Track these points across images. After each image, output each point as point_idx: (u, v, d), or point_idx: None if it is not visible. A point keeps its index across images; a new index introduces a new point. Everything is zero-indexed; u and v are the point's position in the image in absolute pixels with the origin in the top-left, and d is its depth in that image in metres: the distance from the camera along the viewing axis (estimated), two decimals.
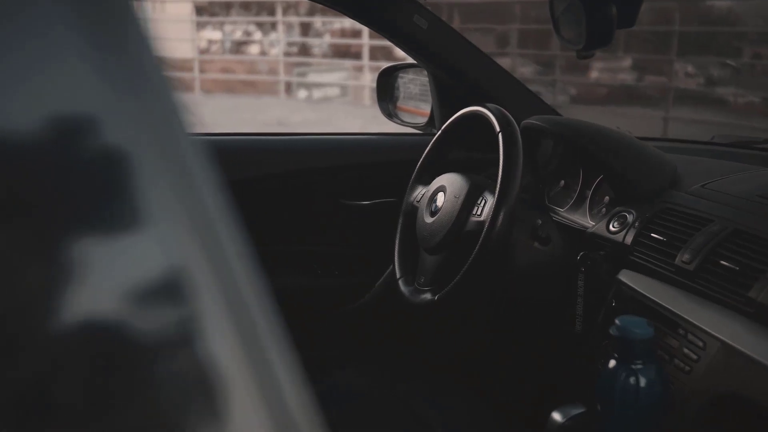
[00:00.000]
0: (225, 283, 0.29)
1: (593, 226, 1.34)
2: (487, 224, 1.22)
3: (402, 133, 1.95)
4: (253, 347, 0.29)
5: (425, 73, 1.80)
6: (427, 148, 1.51)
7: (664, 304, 1.10)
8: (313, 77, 12.09)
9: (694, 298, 1.07)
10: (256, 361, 0.29)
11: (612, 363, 0.98)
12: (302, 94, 11.80)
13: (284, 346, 0.30)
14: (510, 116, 1.30)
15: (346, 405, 1.33)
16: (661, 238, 1.17)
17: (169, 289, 0.27)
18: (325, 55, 12.62)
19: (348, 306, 1.76)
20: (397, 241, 1.50)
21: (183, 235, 0.28)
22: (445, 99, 1.75)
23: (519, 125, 1.33)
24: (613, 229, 1.27)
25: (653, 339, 0.96)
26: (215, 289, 0.28)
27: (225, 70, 12.73)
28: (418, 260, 1.42)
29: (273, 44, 12.75)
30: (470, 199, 1.32)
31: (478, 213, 1.29)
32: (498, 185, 1.23)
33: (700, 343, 1.01)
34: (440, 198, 1.38)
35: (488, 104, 1.35)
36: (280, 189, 1.72)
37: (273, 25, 12.64)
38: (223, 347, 0.28)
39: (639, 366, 0.95)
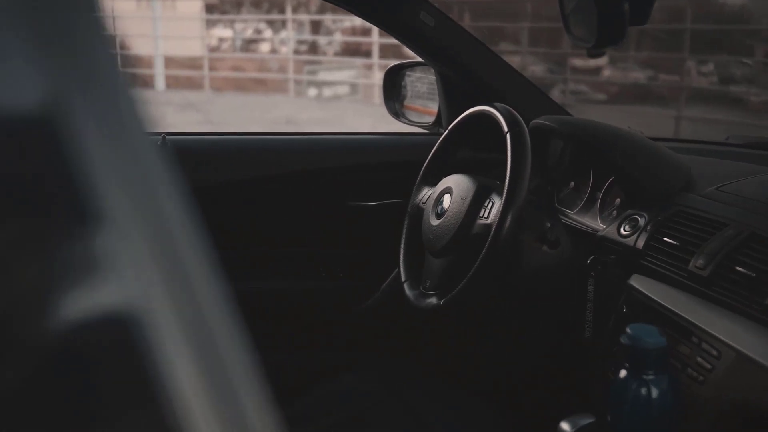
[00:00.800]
0: (185, 305, 0.26)
1: (604, 229, 1.30)
2: (494, 227, 1.19)
3: (408, 133, 1.92)
4: (215, 375, 0.26)
5: (433, 71, 1.77)
6: (434, 149, 1.49)
7: (676, 310, 1.06)
8: (323, 75, 12.10)
9: (708, 305, 1.03)
10: (217, 389, 0.26)
11: (623, 373, 0.95)
12: (312, 92, 11.81)
13: (250, 371, 0.27)
14: (518, 116, 1.27)
15: (350, 408, 1.31)
16: (674, 242, 1.13)
17: (119, 311, 0.25)
18: (336, 54, 12.63)
19: (352, 309, 1.73)
20: (402, 244, 1.48)
21: (138, 249, 0.25)
22: (453, 98, 1.72)
23: (528, 125, 1.30)
24: (624, 232, 1.23)
25: (665, 348, 0.93)
26: (174, 312, 0.25)
27: (235, 68, 12.76)
28: (423, 263, 1.40)
29: (283, 42, 12.78)
30: (477, 201, 1.29)
31: (485, 215, 1.26)
32: (506, 187, 1.20)
33: (714, 352, 0.97)
34: (446, 200, 1.35)
35: (496, 104, 1.32)
36: (284, 189, 1.70)
37: (283, 23, 12.66)
38: (182, 375, 0.25)
39: (651, 376, 0.92)
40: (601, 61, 8.32)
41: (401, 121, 1.93)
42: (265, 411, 0.27)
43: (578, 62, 8.84)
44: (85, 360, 0.25)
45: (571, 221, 1.40)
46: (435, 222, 1.35)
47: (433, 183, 1.45)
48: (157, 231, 0.26)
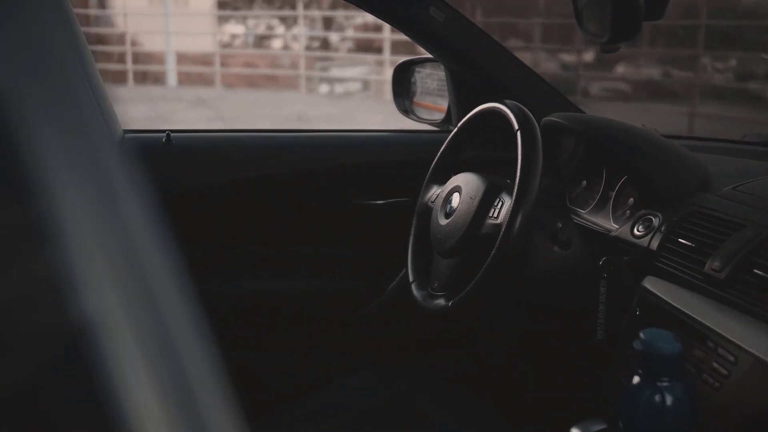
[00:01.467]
0: (146, 318, 0.23)
1: (617, 229, 1.27)
2: (504, 227, 1.16)
3: (418, 130, 1.90)
4: (175, 387, 0.24)
5: (442, 67, 1.74)
6: (443, 147, 1.46)
7: (691, 314, 1.03)
8: (335, 72, 12.10)
9: (725, 309, 1.00)
10: (177, 401, 0.24)
11: (636, 379, 0.91)
12: (324, 88, 11.80)
13: (217, 387, 0.25)
14: (529, 113, 1.24)
15: (355, 412, 1.28)
16: (690, 243, 1.10)
17: (77, 323, 0.22)
18: (349, 50, 12.62)
19: (358, 310, 1.71)
20: (410, 243, 1.45)
21: (97, 258, 0.23)
22: (463, 95, 1.69)
23: (539, 123, 1.26)
24: (637, 233, 1.21)
25: (681, 354, 0.90)
26: (134, 325, 0.23)
27: (247, 65, 12.77)
28: (431, 263, 1.37)
29: (296, 38, 12.79)
30: (486, 201, 1.26)
31: (495, 215, 1.23)
32: (516, 186, 1.17)
33: (731, 358, 0.94)
34: (455, 199, 1.32)
35: (507, 101, 1.29)
36: (289, 187, 1.67)
37: (296, 20, 12.67)
38: (138, 390, 0.23)
39: (665, 383, 0.89)
40: (615, 57, 8.26)
41: (410, 118, 1.91)
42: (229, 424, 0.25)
43: (591, 59, 8.78)
44: (41, 373, 0.23)
45: (583, 221, 1.37)
46: (443, 221, 1.33)
47: (442, 181, 1.42)
48: (118, 240, 0.23)
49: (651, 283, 1.13)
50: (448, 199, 1.34)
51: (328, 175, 1.68)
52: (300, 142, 1.74)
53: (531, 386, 1.54)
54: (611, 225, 1.31)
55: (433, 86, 1.88)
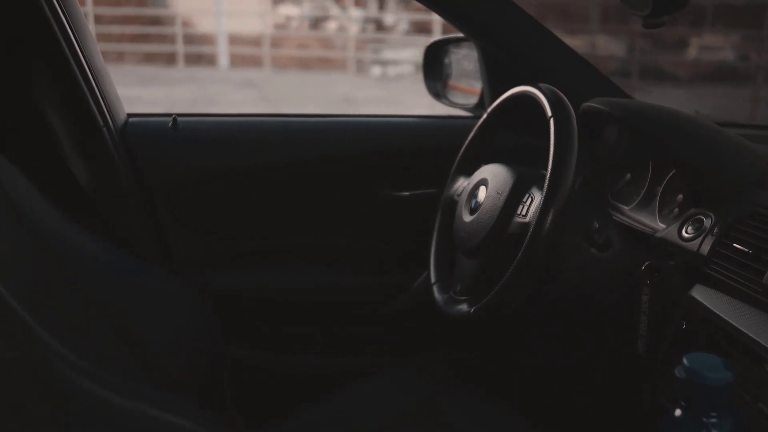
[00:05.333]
0: None
1: (663, 229, 1.16)
2: (532, 226, 1.04)
3: (450, 116, 1.77)
4: None
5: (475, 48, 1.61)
6: (470, 134, 1.34)
7: (746, 331, 0.92)
8: (387, 54, 12.05)
9: None
10: None
11: (678, 412, 0.78)
12: (376, 71, 11.78)
13: None
14: (564, 98, 1.11)
15: (373, 417, 1.19)
16: (746, 249, 0.98)
17: None
18: (407, 32, 12.59)
19: (380, 308, 1.61)
20: (433, 240, 1.35)
21: None
22: (497, 78, 1.57)
23: (579, 108, 1.13)
24: (686, 234, 1.09)
25: (732, 385, 0.76)
26: None
27: (300, 46, 12.80)
28: (455, 263, 1.25)
29: (351, 20, 12.82)
30: (515, 196, 1.14)
31: (523, 213, 1.11)
32: (547, 180, 1.04)
33: None
34: (481, 193, 1.20)
35: (541, 84, 1.16)
36: (304, 175, 1.57)
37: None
38: None
39: (712, 419, 0.76)
40: (672, 37, 7.98)
41: (442, 102, 1.80)
42: None
43: (647, 40, 8.52)
44: None
45: (625, 219, 1.25)
46: (468, 218, 1.21)
47: (469, 173, 1.32)
48: None
49: (700, 293, 1.03)
50: (473, 192, 1.23)
51: (346, 163, 1.58)
52: (316, 126, 1.63)
53: (563, 397, 1.43)
54: (657, 224, 1.19)
55: (469, 68, 1.76)
